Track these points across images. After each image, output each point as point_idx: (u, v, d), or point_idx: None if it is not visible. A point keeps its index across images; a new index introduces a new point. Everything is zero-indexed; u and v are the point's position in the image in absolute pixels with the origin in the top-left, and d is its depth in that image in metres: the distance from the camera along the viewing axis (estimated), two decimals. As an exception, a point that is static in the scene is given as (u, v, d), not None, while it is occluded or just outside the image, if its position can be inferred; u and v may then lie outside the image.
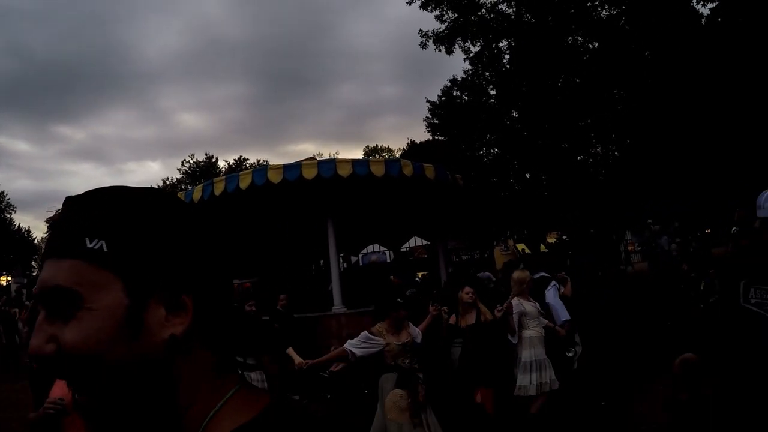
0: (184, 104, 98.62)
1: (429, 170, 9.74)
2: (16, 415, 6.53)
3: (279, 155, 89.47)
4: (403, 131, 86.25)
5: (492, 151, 20.07)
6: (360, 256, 24.79)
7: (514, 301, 6.19)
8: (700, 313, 8.57)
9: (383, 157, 45.48)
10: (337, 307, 9.85)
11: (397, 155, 44.94)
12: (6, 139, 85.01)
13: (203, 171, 45.71)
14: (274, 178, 9.10)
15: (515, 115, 18.01)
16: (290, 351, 5.51)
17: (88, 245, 0.68)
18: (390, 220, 13.54)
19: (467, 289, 6.31)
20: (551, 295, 7.14)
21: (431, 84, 79.04)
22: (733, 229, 9.87)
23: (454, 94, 20.13)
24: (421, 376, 5.19)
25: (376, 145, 59.43)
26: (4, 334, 13.40)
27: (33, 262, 51.38)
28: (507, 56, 17.66)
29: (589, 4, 15.72)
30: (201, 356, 0.74)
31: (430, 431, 4.87)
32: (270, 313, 8.48)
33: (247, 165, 47.01)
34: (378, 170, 9.25)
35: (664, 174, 14.73)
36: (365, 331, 5.22)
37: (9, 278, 37.49)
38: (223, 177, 10.02)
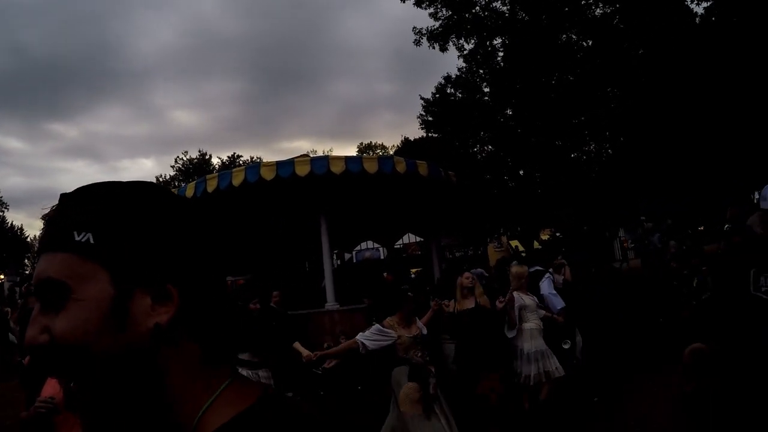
0: (177, 101, 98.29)
1: (422, 167, 9.73)
2: (10, 413, 6.51)
3: (273, 152, 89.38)
4: (397, 128, 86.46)
5: (486, 148, 20.11)
6: (353, 252, 24.78)
7: (515, 295, 6.30)
8: (693, 309, 8.62)
9: (377, 154, 45.46)
10: (330, 303, 9.85)
11: (391, 152, 44.92)
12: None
13: (197, 168, 45.58)
14: (267, 175, 9.08)
15: (509, 112, 18.05)
16: (297, 345, 5.56)
17: (76, 238, 0.70)
18: (383, 216, 13.55)
19: (467, 274, 6.46)
20: (545, 286, 7.29)
21: (425, 81, 79.08)
22: (726, 226, 9.92)
23: (448, 91, 20.17)
24: (433, 369, 5.28)
25: (370, 142, 59.33)
26: (-2, 334, 13.33)
27: (26, 261, 51.18)
28: (501, 54, 17.68)
29: (583, 2, 15.75)
30: (188, 349, 0.74)
31: (444, 419, 4.96)
32: (263, 309, 8.47)
33: (241, 162, 46.90)
34: (371, 167, 9.24)
35: (657, 172, 14.78)
36: (377, 324, 5.32)
37: (2, 277, 37.33)
38: (216, 174, 9.98)
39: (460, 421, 5.13)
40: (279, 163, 9.32)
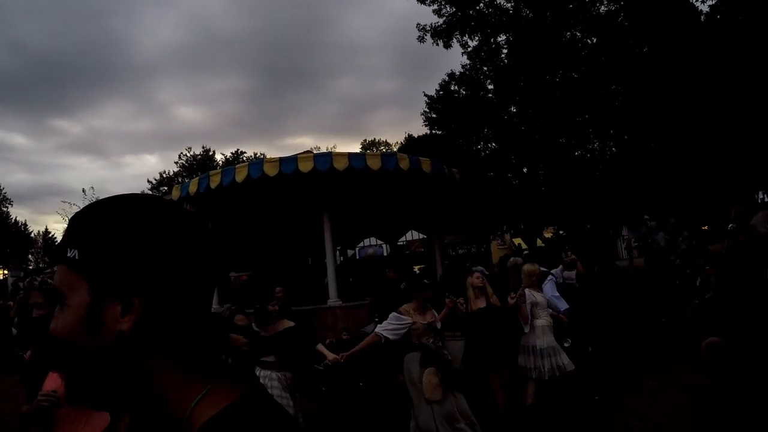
0: (181, 97, 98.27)
1: (426, 164, 9.70)
2: (11, 408, 6.52)
3: (276, 148, 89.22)
4: (400, 125, 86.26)
5: (489, 145, 20.12)
6: (356, 249, 24.78)
7: (526, 291, 6.45)
8: (696, 309, 8.61)
9: (381, 150, 45.44)
10: (333, 300, 9.84)
11: (395, 149, 44.93)
12: (2, 132, 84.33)
13: (200, 164, 45.61)
14: (271, 171, 9.06)
15: (513, 109, 18.04)
16: (320, 347, 5.60)
17: (68, 254, 0.84)
18: (387, 213, 13.52)
19: (477, 274, 6.58)
20: (548, 288, 7.31)
21: (429, 78, 78.81)
22: (730, 225, 9.89)
23: (452, 88, 20.15)
24: (446, 353, 5.40)
25: (374, 138, 59.27)
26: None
27: (30, 256, 51.35)
28: (505, 51, 17.66)
29: (588, -1, 15.71)
30: (161, 359, 0.84)
31: (459, 402, 5.10)
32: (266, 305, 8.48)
33: (244, 158, 46.94)
34: (374, 164, 9.21)
35: (661, 170, 14.76)
36: (393, 312, 5.44)
37: (5, 272, 37.41)
38: (219, 170, 9.96)
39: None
40: (282, 159, 9.30)
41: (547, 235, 23.78)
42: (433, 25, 17.68)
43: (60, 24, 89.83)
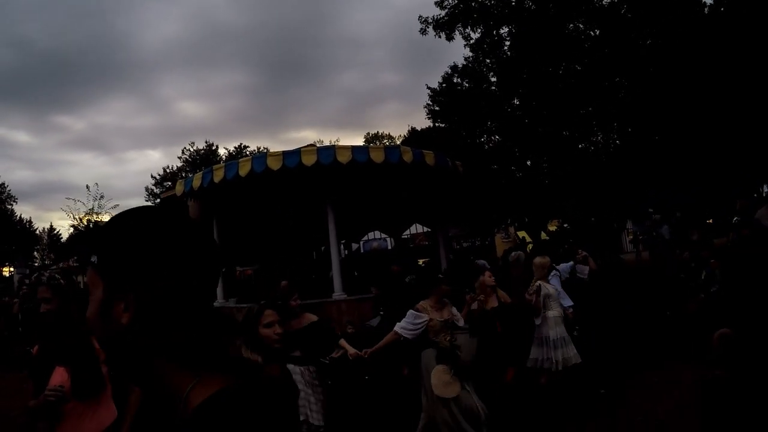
0: (184, 92, 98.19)
1: (429, 157, 9.69)
2: (18, 403, 6.53)
3: (280, 142, 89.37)
4: (404, 118, 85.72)
5: (493, 138, 20.07)
6: (361, 243, 24.80)
7: (539, 283, 6.63)
8: (701, 303, 8.59)
9: (384, 144, 45.38)
10: (338, 293, 9.86)
11: (398, 142, 44.85)
12: (6, 129, 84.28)
13: (204, 159, 45.64)
14: (274, 165, 9.06)
15: (516, 102, 17.98)
16: (342, 342, 5.60)
17: (92, 259, 1.03)
18: (390, 207, 13.53)
19: (489, 273, 6.64)
20: (553, 283, 7.31)
21: (432, 71, 78.69)
22: (735, 219, 9.87)
23: (455, 81, 20.09)
24: (460, 352, 5.37)
25: (377, 132, 59.18)
26: (5, 324, 13.39)
27: (35, 253, 51.44)
28: (508, 43, 17.59)
29: (590, -10, 15.63)
30: (161, 349, 0.99)
31: (475, 397, 5.13)
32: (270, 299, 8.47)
33: (248, 152, 46.89)
34: (377, 157, 9.21)
35: (665, 163, 14.71)
36: (411, 310, 5.44)
37: (12, 269, 37.54)
38: (223, 164, 9.95)
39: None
40: (286, 153, 9.30)
41: (552, 228, 23.74)
42: (436, 17, 17.61)
43: (63, 21, 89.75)
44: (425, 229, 25.12)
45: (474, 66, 18.75)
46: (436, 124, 23.63)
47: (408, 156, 9.40)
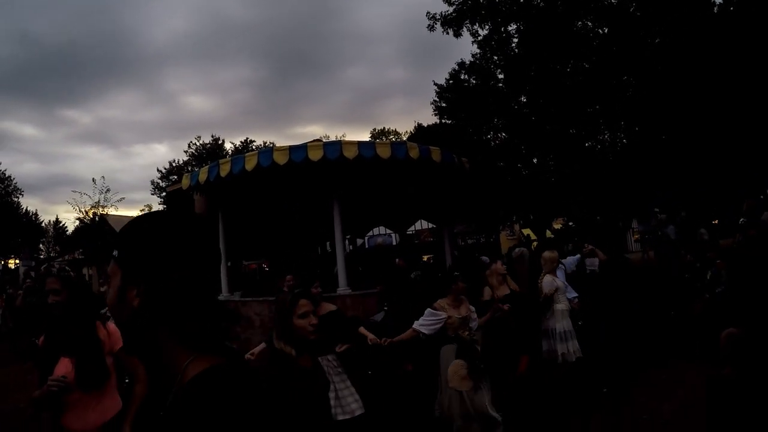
0: (190, 86, 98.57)
1: (435, 153, 9.66)
2: (24, 395, 6.56)
3: (286, 137, 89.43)
4: (410, 114, 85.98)
5: (499, 135, 20.02)
6: (366, 238, 24.83)
7: (548, 276, 6.89)
8: (706, 303, 8.56)
9: (390, 139, 45.37)
10: (343, 288, 9.86)
11: (405, 138, 44.81)
12: (13, 123, 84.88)
13: (210, 153, 45.73)
14: (280, 159, 9.05)
15: (523, 99, 17.93)
16: (362, 329, 5.74)
17: (114, 253, 1.23)
18: (396, 202, 13.52)
19: (500, 262, 6.86)
20: (559, 276, 7.38)
21: (439, 67, 78.61)
22: (741, 219, 9.82)
23: (462, 77, 20.04)
24: (479, 347, 5.51)
25: (384, 127, 59.12)
26: (11, 317, 13.39)
27: (41, 245, 51.63)
28: (516, 40, 17.52)
29: (599, -12, 15.55)
30: (164, 331, 1.16)
31: (488, 396, 5.18)
32: (276, 293, 8.48)
33: (254, 147, 46.96)
34: (384, 152, 9.18)
35: (672, 162, 14.65)
36: (429, 308, 5.53)
37: (17, 261, 37.65)
38: (229, 159, 9.94)
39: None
40: (292, 148, 9.27)
41: (557, 226, 23.70)
42: (443, 13, 17.57)
43: (70, 16, 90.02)
44: (430, 225, 25.09)
45: (481, 63, 18.69)
46: (443, 121, 23.59)
47: (414, 152, 9.37)
